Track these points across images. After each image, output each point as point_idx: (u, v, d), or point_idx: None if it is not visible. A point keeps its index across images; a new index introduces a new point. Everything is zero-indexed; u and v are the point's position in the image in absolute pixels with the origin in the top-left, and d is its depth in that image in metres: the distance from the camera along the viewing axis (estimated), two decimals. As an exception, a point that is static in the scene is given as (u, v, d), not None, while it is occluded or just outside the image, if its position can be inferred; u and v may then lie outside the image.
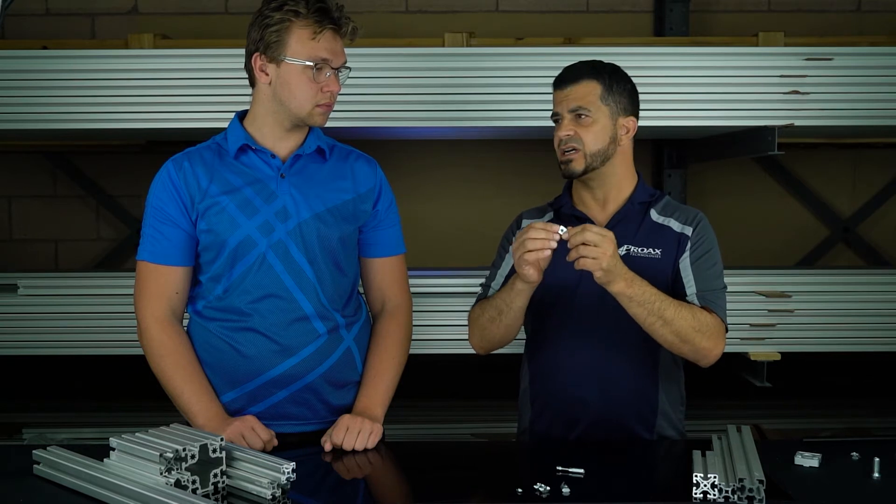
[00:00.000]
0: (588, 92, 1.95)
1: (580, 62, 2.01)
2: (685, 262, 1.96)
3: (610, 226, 1.99)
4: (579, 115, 1.94)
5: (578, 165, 1.95)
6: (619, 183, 2.01)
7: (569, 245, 1.76)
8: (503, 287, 1.97)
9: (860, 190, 3.93)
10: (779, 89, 2.93)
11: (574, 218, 2.03)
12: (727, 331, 1.95)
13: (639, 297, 1.81)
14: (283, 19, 1.82)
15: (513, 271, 2.03)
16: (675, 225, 2.00)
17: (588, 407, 1.98)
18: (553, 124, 2.01)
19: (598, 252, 1.74)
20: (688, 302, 1.92)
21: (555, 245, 1.78)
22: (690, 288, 1.94)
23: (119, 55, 2.95)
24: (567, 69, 2.00)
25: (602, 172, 1.98)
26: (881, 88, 2.94)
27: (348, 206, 1.96)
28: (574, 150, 1.95)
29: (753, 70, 2.94)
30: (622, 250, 1.96)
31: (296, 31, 1.83)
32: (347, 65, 1.90)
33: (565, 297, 1.99)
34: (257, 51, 1.86)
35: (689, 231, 1.98)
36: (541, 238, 1.77)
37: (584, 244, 1.74)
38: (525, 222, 2.12)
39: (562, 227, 1.77)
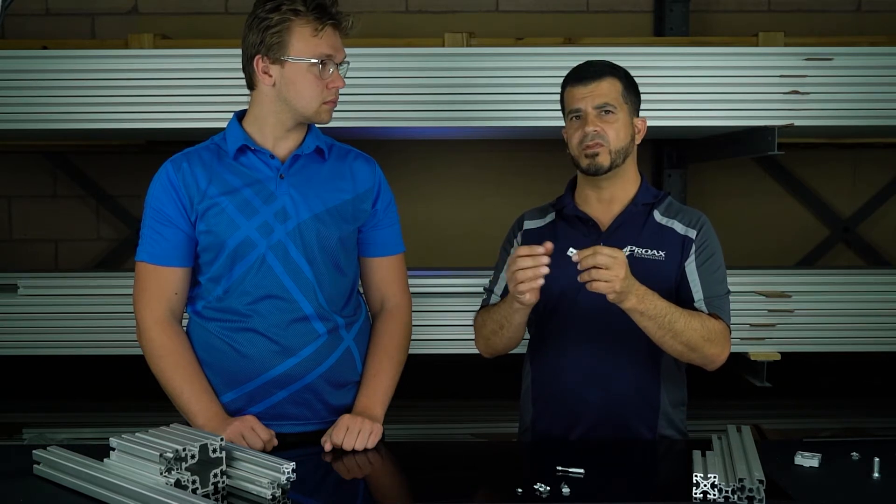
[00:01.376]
0: (612, 88, 1.96)
1: (597, 60, 2.01)
2: (691, 267, 1.96)
3: (613, 228, 1.99)
4: (605, 112, 1.94)
5: (605, 160, 1.95)
6: (627, 183, 2.01)
7: (580, 267, 1.74)
8: (503, 301, 1.97)
9: (860, 190, 3.93)
10: (779, 89, 2.93)
11: (577, 219, 2.03)
12: (731, 333, 1.95)
13: (650, 312, 1.80)
14: (284, 19, 1.82)
15: None
16: (679, 227, 1.99)
17: (590, 408, 1.98)
18: (557, 123, 2.01)
19: (611, 275, 1.72)
20: (695, 308, 1.92)
21: (546, 270, 1.76)
22: (697, 293, 1.94)
23: (119, 55, 2.95)
24: (586, 67, 1.99)
25: (617, 171, 1.98)
26: (881, 88, 2.93)
27: (347, 207, 1.96)
28: (600, 145, 1.94)
29: (753, 70, 2.93)
30: (626, 251, 1.96)
31: (297, 30, 1.82)
32: (347, 60, 1.90)
33: (568, 298, 1.99)
34: (258, 53, 1.85)
35: (692, 234, 1.98)
36: (529, 267, 1.75)
37: (595, 267, 1.72)
38: (527, 223, 2.11)
39: (571, 249, 1.75)
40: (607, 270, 1.72)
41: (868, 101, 2.94)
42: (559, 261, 1.84)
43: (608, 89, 1.95)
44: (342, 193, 1.96)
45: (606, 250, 1.73)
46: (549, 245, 1.76)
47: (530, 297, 1.81)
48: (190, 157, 1.93)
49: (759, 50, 3.05)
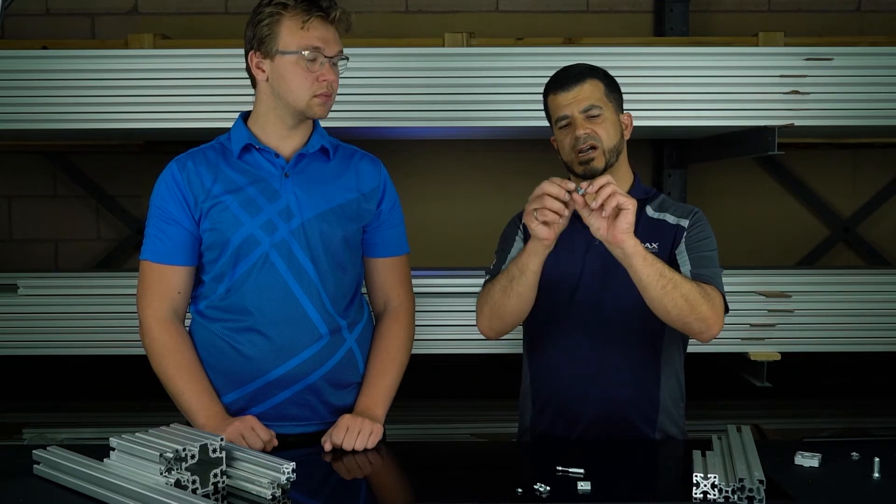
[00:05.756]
0: (595, 89, 1.96)
1: (574, 65, 2.01)
2: (681, 248, 1.97)
3: None
4: (593, 114, 1.94)
5: (599, 163, 1.94)
6: (619, 180, 1.99)
7: (592, 194, 1.75)
8: (514, 258, 1.95)
9: (860, 190, 3.93)
10: (779, 89, 2.92)
11: (574, 217, 2.02)
12: (727, 310, 1.93)
13: (650, 258, 1.79)
14: (273, 13, 1.83)
15: None
16: (671, 218, 2.01)
17: (590, 405, 1.98)
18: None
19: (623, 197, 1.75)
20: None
21: (567, 212, 1.79)
22: (685, 266, 1.93)
23: (119, 55, 2.94)
24: (564, 74, 2.00)
25: (610, 169, 1.97)
26: (881, 88, 2.93)
27: (352, 206, 1.96)
28: (594, 147, 1.94)
29: (753, 70, 2.93)
30: None
31: (286, 23, 1.83)
32: (345, 55, 1.89)
33: (565, 293, 1.99)
34: (252, 49, 1.87)
35: (684, 223, 1.99)
36: (557, 200, 1.77)
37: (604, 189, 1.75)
38: None
39: (579, 188, 1.76)
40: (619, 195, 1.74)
41: (868, 101, 2.94)
42: (557, 252, 1.84)
43: (591, 91, 1.95)
44: (347, 192, 1.96)
45: (608, 183, 1.76)
46: (571, 184, 1.78)
47: (544, 229, 1.80)
48: (195, 156, 1.94)
49: (759, 50, 3.05)
